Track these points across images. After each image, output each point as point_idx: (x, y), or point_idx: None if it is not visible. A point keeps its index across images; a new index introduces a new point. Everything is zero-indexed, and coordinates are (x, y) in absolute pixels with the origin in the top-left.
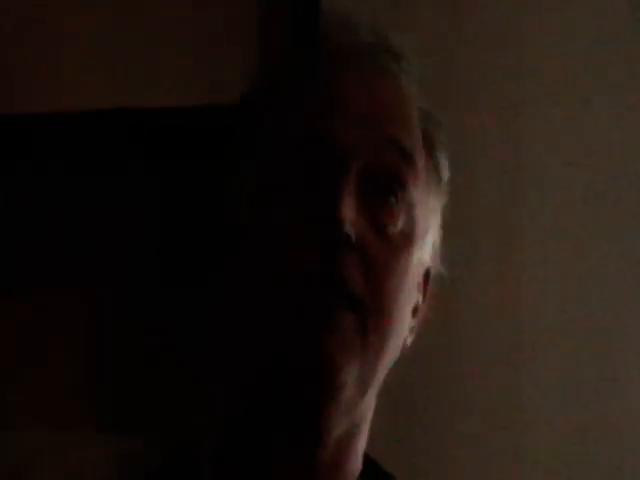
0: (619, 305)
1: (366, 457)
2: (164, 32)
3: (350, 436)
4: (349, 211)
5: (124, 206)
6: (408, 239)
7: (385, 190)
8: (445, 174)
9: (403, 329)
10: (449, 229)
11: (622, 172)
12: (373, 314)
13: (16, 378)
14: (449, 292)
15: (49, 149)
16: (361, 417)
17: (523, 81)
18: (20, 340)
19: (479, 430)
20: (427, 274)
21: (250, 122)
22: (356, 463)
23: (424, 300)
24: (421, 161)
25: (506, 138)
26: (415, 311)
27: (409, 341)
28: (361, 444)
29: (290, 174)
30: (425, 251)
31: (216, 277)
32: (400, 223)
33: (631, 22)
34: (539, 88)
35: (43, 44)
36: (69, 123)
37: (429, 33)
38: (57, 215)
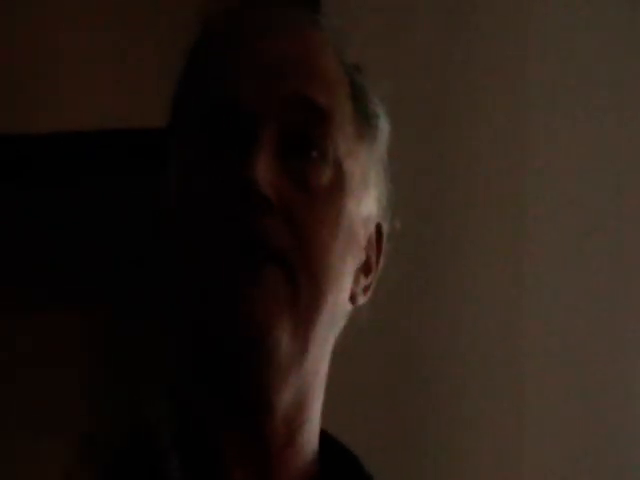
0: (622, 307)
1: (325, 436)
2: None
3: (299, 405)
4: (264, 172)
5: (120, 223)
6: (337, 192)
7: (306, 148)
8: (382, 123)
9: (342, 286)
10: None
11: (625, 175)
12: (301, 266)
13: (15, 393)
14: (451, 299)
15: (42, 170)
16: (308, 383)
17: (528, 86)
18: (18, 357)
19: (479, 442)
20: (379, 231)
21: (173, 111)
22: (311, 440)
23: (378, 257)
24: (344, 112)
25: (511, 139)
26: (367, 269)
27: (361, 300)
28: (314, 419)
29: (204, 145)
30: (369, 205)
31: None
32: (326, 177)
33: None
34: (543, 91)
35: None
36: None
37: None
38: (53, 232)
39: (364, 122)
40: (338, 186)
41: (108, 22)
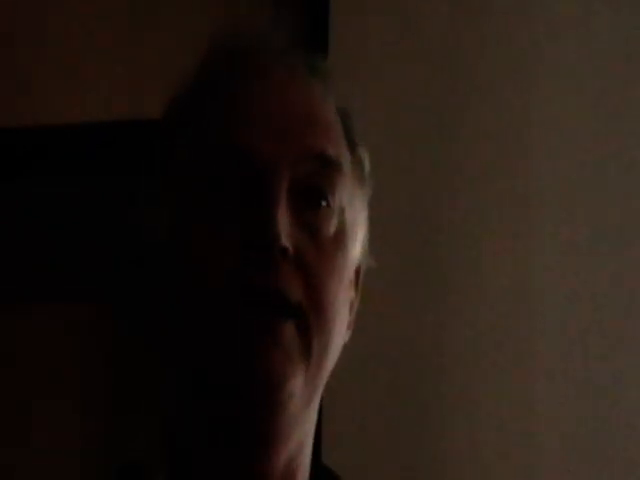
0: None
1: (316, 462)
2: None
3: (300, 448)
4: (284, 225)
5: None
6: (341, 242)
7: (315, 198)
8: (367, 167)
9: (343, 331)
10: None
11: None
12: (314, 319)
13: (15, 393)
14: (460, 296)
15: (48, 165)
16: (309, 425)
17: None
18: (19, 356)
19: (485, 438)
20: (357, 270)
21: (165, 137)
22: (305, 468)
23: (357, 295)
24: (346, 162)
25: (514, 136)
26: (351, 306)
27: (347, 337)
28: (309, 451)
29: (214, 191)
30: (357, 248)
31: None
32: (332, 227)
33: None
34: (549, 92)
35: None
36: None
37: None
38: (55, 229)
39: (358, 169)
40: (342, 235)
41: (111, 13)
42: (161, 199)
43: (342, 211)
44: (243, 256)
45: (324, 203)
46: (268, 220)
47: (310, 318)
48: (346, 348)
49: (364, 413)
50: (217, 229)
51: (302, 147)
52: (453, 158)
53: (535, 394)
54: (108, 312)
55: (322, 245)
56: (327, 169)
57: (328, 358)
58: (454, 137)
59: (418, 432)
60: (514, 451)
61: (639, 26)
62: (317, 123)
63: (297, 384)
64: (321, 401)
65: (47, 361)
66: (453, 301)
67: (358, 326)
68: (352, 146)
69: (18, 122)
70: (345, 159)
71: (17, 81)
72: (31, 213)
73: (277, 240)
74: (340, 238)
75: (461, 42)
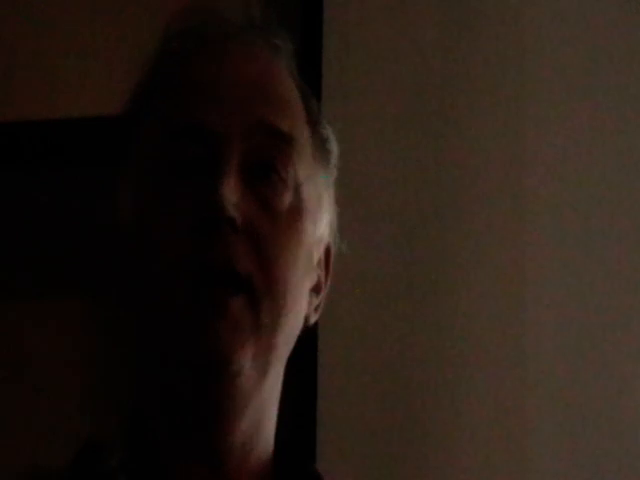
0: (623, 309)
1: (281, 441)
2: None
3: (257, 426)
4: (231, 193)
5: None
6: (296, 217)
7: (268, 171)
8: (333, 147)
9: (300, 307)
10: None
11: (627, 178)
12: (264, 292)
13: (16, 386)
14: (452, 298)
15: (50, 158)
16: (266, 404)
17: (526, 87)
18: (19, 349)
19: (482, 440)
20: (328, 251)
21: (129, 122)
22: (267, 450)
23: (327, 277)
24: (304, 138)
25: (509, 137)
26: (318, 289)
27: (313, 319)
28: (270, 433)
29: (171, 170)
30: (321, 228)
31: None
32: (287, 200)
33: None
34: (542, 92)
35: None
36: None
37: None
38: (54, 222)
39: (319, 146)
40: (298, 210)
41: (111, 13)
42: (127, 182)
43: (298, 186)
44: (193, 231)
45: (275, 176)
46: (215, 191)
47: (261, 291)
48: (343, 347)
49: (360, 412)
50: (173, 207)
51: (253, 119)
52: (450, 158)
53: (530, 394)
54: (108, 310)
55: (275, 218)
56: (278, 142)
57: (282, 333)
58: (451, 136)
59: (414, 433)
60: (509, 450)
61: (639, 25)
62: (270, 97)
63: (246, 357)
64: (318, 401)
65: (47, 359)
66: (449, 301)
67: (356, 326)
68: (313, 124)
69: (17, 117)
70: (300, 135)
71: (17, 79)
72: (30, 211)
73: (223, 210)
74: (295, 213)
75: (459, 40)
